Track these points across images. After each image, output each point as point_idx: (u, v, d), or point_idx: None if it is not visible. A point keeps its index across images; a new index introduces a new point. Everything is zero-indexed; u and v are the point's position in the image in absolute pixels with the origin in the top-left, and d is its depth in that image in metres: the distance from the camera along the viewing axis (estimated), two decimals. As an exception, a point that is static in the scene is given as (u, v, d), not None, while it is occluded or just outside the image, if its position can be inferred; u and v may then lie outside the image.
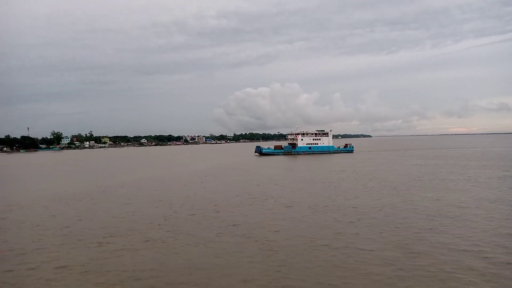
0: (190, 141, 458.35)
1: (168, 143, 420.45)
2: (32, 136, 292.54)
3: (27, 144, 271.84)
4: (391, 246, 22.73)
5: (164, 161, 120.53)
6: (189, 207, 36.97)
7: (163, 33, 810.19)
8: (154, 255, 22.26)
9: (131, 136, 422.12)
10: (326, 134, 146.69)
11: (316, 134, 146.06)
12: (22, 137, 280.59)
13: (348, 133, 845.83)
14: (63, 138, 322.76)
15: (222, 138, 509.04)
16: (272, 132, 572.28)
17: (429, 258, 20.35)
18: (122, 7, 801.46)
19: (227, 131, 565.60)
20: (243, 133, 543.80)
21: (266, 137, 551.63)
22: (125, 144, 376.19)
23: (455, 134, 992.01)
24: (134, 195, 45.48)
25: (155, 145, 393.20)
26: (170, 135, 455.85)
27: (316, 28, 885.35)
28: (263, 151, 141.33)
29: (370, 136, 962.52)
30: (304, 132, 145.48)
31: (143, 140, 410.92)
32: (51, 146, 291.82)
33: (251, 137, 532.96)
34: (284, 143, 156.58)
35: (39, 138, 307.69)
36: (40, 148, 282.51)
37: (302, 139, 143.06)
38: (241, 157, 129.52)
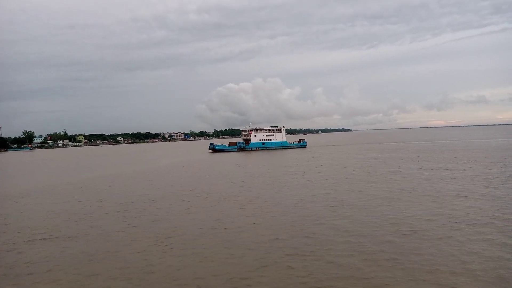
0: (168, 138, 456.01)
1: (146, 140, 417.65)
2: (9, 135, 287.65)
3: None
4: (280, 233, 24.75)
5: (128, 160, 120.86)
6: (123, 203, 38.34)
7: (144, 28, 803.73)
8: (53, 248, 23.73)
9: (108, 134, 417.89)
10: (279, 130, 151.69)
11: (269, 130, 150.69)
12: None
13: (329, 128, 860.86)
14: (35, 137, 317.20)
15: (201, 134, 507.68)
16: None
17: (294, 243, 22.46)
18: (101, 1, 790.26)
19: (210, 127, 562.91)
20: (223, 129, 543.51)
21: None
22: (101, 142, 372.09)
23: (435, 127, 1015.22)
24: (75, 193, 46.59)
25: (132, 142, 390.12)
26: (148, 132, 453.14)
27: (298, 22, 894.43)
28: (216, 147, 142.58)
29: (351, 130, 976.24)
30: (258, 128, 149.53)
31: (119, 138, 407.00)
32: (22, 146, 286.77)
33: (231, 133, 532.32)
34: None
35: (17, 137, 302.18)
36: (11, 148, 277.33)
37: (255, 135, 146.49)
38: (198, 155, 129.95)
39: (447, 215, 27.79)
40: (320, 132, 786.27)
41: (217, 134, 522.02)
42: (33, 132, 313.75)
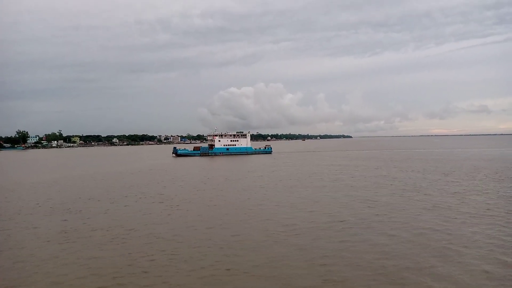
0: (164, 141, 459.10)
1: (141, 142, 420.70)
2: (10, 135, 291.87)
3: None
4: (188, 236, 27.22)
5: (109, 162, 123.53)
6: (66, 203, 40.81)
7: (148, 31, 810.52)
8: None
9: (104, 136, 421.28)
10: (244, 136, 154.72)
11: (234, 135, 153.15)
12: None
13: (330, 134, 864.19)
14: (29, 137, 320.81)
15: (198, 138, 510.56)
16: (255, 132, 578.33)
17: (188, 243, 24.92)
18: (106, 4, 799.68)
19: (211, 131, 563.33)
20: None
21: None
22: (96, 144, 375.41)
23: (436, 135, 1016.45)
24: (31, 192, 49.30)
25: (127, 144, 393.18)
26: (144, 134, 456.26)
27: (301, 29, 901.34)
28: (179, 152, 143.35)
29: (351, 137, 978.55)
30: (222, 133, 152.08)
31: (114, 140, 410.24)
32: (16, 146, 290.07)
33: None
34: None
35: (11, 136, 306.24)
36: (4, 147, 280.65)
37: (219, 140, 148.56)
38: (162, 159, 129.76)
39: (339, 220, 30.18)
40: (319, 138, 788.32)
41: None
42: (27, 132, 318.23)
